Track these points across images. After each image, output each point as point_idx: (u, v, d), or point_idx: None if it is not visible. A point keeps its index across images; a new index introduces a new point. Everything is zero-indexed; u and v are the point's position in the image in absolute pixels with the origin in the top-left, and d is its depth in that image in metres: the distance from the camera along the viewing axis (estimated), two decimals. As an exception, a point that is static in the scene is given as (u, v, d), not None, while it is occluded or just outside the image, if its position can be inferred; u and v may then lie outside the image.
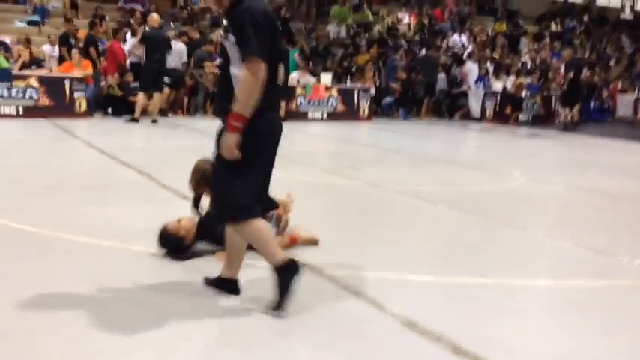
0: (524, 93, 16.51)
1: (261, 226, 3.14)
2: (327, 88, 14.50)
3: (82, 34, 13.39)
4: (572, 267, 4.30)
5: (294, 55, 14.75)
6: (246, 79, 2.90)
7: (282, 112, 13.03)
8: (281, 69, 3.13)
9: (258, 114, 2.98)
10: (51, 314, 3.01)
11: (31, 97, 11.24)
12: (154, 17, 11.98)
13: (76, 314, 3.00)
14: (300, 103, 14.16)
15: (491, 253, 4.47)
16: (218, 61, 12.99)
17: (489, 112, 16.28)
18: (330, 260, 4.01)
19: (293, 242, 4.21)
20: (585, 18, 24.51)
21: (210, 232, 3.95)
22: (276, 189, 4.33)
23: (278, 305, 3.09)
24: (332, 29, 18.80)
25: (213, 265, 3.67)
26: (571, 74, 15.56)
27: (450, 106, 16.84)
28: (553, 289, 3.89)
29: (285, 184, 4.85)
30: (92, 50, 12.77)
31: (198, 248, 4.01)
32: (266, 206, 3.37)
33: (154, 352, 2.69)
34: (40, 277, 3.50)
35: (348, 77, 15.50)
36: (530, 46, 20.95)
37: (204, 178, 4.01)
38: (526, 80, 17.21)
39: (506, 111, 16.34)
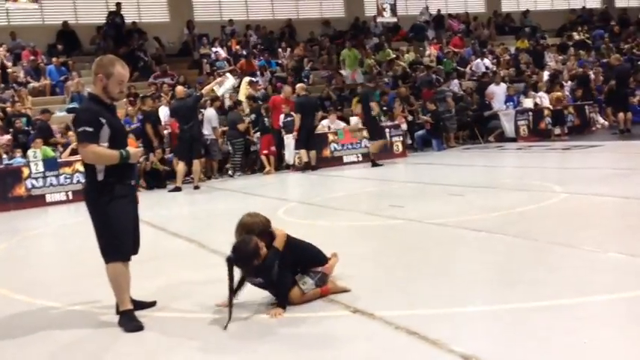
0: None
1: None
2: (359, 131, 14.69)
3: (121, 113, 13.89)
4: (628, 278, 4.23)
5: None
6: None
7: (312, 161, 13.38)
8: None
9: None
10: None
11: (78, 182, 11.72)
12: (179, 89, 12.62)
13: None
14: (334, 149, 14.38)
15: (541, 275, 4.45)
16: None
17: (524, 130, 16.17)
18: (381, 302, 4.07)
19: (325, 293, 4.28)
20: (610, 23, 24.40)
21: (267, 269, 4.05)
22: (320, 237, 4.47)
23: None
24: (346, 74, 19.10)
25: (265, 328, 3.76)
26: (613, 81, 15.39)
27: (482, 129, 16.83)
28: (611, 303, 3.83)
29: (330, 232, 4.98)
30: (149, 126, 12.84)
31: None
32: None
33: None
34: (107, 358, 3.66)
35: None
36: (555, 57, 20.92)
37: (247, 231, 4.18)
38: (565, 93, 17.15)
39: (541, 126, 16.23)
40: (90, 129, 3.97)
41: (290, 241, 4.24)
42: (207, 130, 13.18)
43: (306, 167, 13.50)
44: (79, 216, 10.13)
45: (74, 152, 12.43)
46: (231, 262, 3.96)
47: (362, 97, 14.05)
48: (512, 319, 3.63)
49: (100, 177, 4.04)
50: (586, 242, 5.21)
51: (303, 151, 13.62)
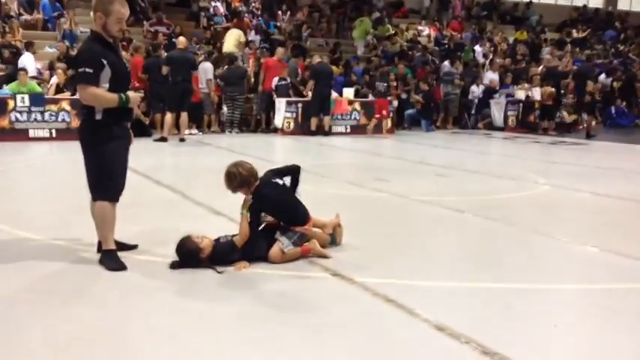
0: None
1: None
2: (350, 102, 14.67)
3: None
4: (599, 271, 4.36)
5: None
6: None
7: (325, 126, 13.56)
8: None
9: None
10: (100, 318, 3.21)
11: (63, 120, 11.60)
12: (181, 40, 12.40)
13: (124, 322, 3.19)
14: (324, 117, 14.34)
15: (518, 260, 4.56)
16: None
17: (512, 120, 16.28)
18: (361, 269, 4.14)
19: (305, 252, 4.35)
20: (614, 25, 24.46)
21: (224, 258, 4.13)
22: (304, 202, 4.50)
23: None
24: (359, 46, 19.13)
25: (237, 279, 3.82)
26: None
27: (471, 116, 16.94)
28: (580, 293, 3.96)
29: (315, 198, 5.02)
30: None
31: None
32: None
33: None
34: (89, 293, 3.70)
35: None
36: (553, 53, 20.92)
37: (227, 179, 4.28)
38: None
39: (529, 119, 16.35)
40: (90, 70, 3.95)
41: (266, 202, 4.30)
42: (202, 84, 13.09)
43: (316, 132, 13.66)
44: (63, 154, 10.12)
45: (58, 89, 12.25)
46: (175, 266, 4.05)
47: (579, 75, 14.71)
48: (488, 297, 3.73)
49: (99, 116, 4.05)
50: (563, 234, 5.33)
51: (313, 119, 13.71)
